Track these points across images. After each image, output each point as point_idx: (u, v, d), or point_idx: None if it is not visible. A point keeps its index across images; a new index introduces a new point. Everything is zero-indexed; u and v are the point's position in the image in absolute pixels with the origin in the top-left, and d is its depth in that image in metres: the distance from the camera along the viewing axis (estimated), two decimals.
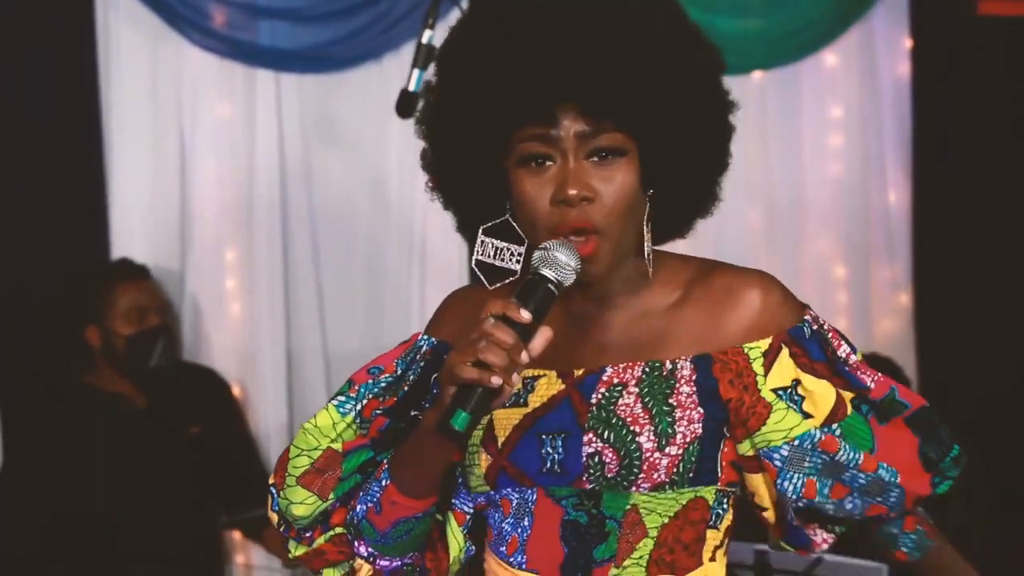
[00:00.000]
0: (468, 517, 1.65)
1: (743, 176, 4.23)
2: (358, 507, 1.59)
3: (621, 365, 1.54)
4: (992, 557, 1.93)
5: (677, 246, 3.98)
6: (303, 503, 1.61)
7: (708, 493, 1.54)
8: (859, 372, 1.57)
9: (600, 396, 1.53)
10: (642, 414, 1.51)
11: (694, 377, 1.53)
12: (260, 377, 3.84)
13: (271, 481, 1.66)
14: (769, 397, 1.53)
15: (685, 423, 1.51)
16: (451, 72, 1.55)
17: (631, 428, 1.51)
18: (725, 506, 1.57)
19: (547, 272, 1.44)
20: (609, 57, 1.47)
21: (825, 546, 1.61)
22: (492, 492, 1.57)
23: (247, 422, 3.75)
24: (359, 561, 1.62)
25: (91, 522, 3.35)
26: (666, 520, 1.53)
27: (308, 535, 1.65)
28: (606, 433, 1.51)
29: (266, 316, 3.83)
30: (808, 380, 1.54)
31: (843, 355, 1.58)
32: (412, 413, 1.61)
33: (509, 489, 1.56)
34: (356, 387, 1.64)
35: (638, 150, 1.51)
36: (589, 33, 1.48)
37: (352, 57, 3.88)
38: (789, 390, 1.54)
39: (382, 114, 3.93)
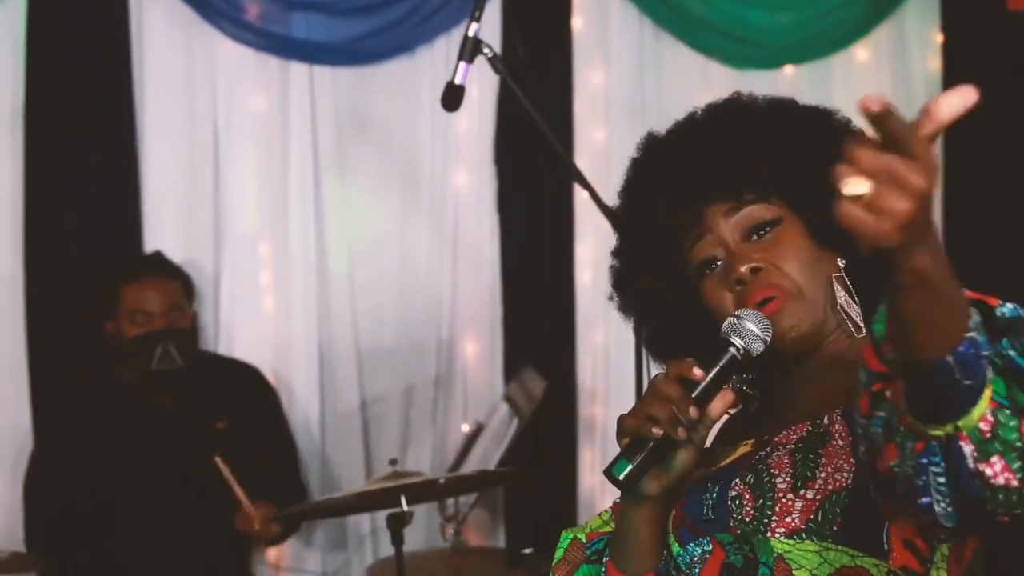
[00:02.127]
0: None
1: None
2: None
3: (791, 429, 1.52)
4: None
5: None
6: None
7: (872, 567, 1.41)
8: None
9: (763, 453, 1.52)
10: (786, 460, 1.48)
11: (847, 432, 1.47)
12: (293, 370, 3.84)
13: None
14: None
15: (829, 470, 1.45)
16: (625, 205, 1.68)
17: (771, 471, 1.49)
18: None
19: (735, 340, 1.47)
20: (726, 139, 1.56)
21: None
22: (679, 554, 1.54)
23: (286, 426, 3.69)
24: None
25: (112, 512, 3.35)
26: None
27: None
28: (749, 477, 1.50)
29: (299, 309, 3.83)
30: None
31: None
32: None
33: (692, 545, 1.53)
34: None
35: (794, 213, 1.55)
36: (712, 134, 1.59)
37: (386, 50, 3.88)
38: None
39: (415, 106, 3.94)
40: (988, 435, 1.22)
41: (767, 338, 1.47)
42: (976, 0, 4.25)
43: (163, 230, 3.75)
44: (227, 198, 3.81)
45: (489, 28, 3.44)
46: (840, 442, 1.46)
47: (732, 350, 1.46)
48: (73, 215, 3.66)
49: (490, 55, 2.81)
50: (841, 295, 1.52)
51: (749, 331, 1.46)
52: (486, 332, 3.99)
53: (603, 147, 4.07)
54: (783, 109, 1.62)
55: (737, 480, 1.50)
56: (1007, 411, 1.22)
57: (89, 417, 3.41)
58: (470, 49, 2.80)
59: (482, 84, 3.84)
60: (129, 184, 3.71)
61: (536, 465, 3.84)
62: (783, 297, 1.49)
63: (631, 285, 1.67)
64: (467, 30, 2.80)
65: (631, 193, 1.66)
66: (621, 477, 1.43)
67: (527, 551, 3.05)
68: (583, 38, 4.04)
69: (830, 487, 1.44)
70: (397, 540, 2.86)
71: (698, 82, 4.17)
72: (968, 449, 1.21)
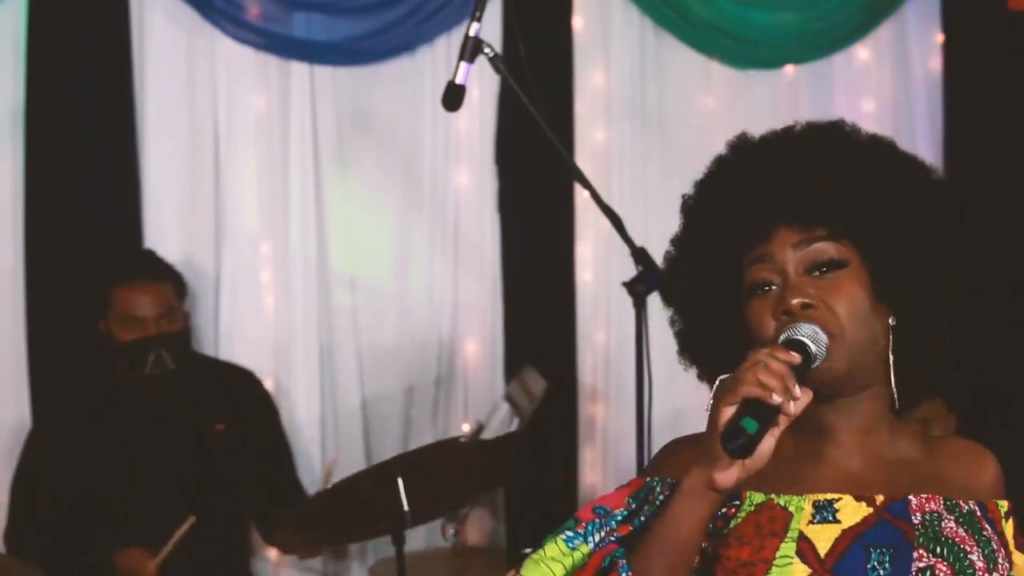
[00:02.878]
0: None
1: None
2: None
3: (924, 496, 1.53)
4: None
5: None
6: None
7: None
8: None
9: (922, 519, 1.52)
10: (967, 538, 1.51)
11: (983, 521, 1.55)
12: (293, 370, 3.84)
13: None
14: (1016, 556, 1.58)
15: (1001, 556, 1.53)
16: (689, 218, 1.64)
17: (963, 547, 1.50)
18: None
19: (805, 340, 1.45)
20: (816, 165, 1.54)
21: None
22: None
23: (282, 430, 3.68)
24: None
25: (111, 509, 3.35)
26: None
27: None
28: (938, 549, 1.49)
29: (300, 309, 3.83)
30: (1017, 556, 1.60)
31: None
32: None
33: None
34: (583, 524, 1.56)
35: (861, 260, 1.52)
36: (800, 152, 1.56)
37: (386, 49, 3.88)
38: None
39: (416, 106, 3.94)
40: None
41: (826, 343, 1.46)
42: (977, 0, 4.25)
43: (163, 229, 3.75)
44: (227, 197, 3.81)
45: (489, 28, 3.43)
46: (988, 528, 1.54)
47: (812, 347, 1.44)
48: (73, 214, 3.66)
49: (491, 55, 2.81)
50: (892, 355, 1.52)
51: (810, 333, 1.46)
52: (487, 332, 3.99)
53: (604, 147, 4.07)
54: (881, 150, 1.58)
55: (923, 552, 1.49)
56: None
57: (87, 415, 3.40)
58: (471, 49, 2.80)
59: (483, 84, 3.84)
60: (129, 183, 3.71)
61: (537, 464, 3.84)
62: (828, 339, 1.47)
63: (681, 278, 1.64)
64: (468, 30, 2.79)
65: (708, 188, 1.63)
66: (753, 432, 1.37)
67: (527, 551, 3.03)
68: (584, 38, 4.04)
69: (1004, 572, 1.53)
70: (398, 540, 2.86)
71: (699, 82, 4.17)
72: None
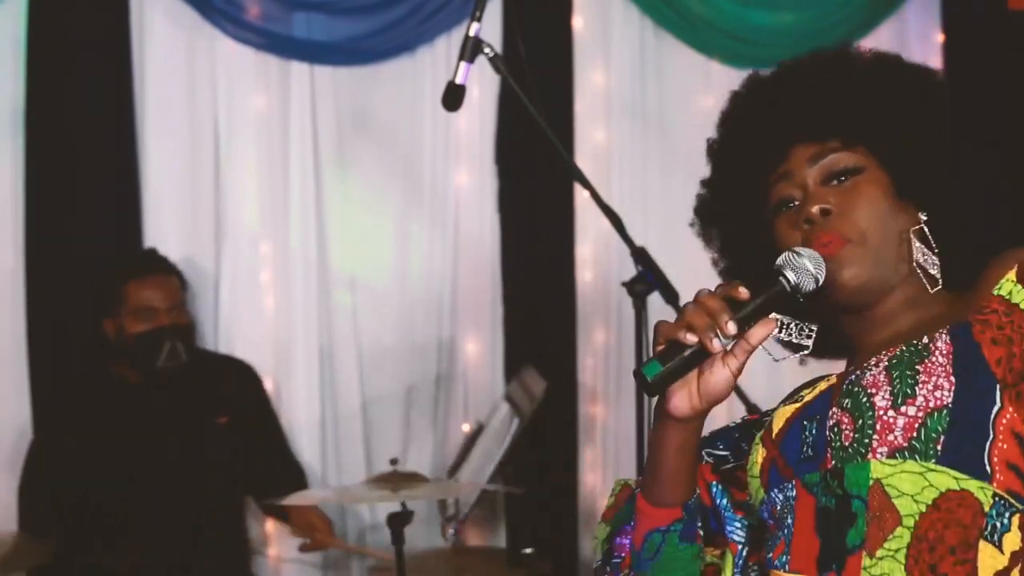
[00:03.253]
0: (741, 546, 1.61)
1: None
2: (621, 539, 1.61)
3: (885, 350, 1.50)
4: None
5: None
6: (600, 534, 1.66)
7: (977, 490, 1.39)
8: None
9: (853, 376, 1.50)
10: (883, 379, 1.45)
11: (950, 349, 1.43)
12: (293, 370, 3.84)
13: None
14: None
15: (930, 388, 1.41)
16: (716, 141, 1.71)
17: (868, 391, 1.45)
18: (1007, 521, 1.39)
19: (787, 273, 1.48)
20: (822, 84, 1.59)
21: None
22: (764, 501, 1.53)
23: (276, 412, 3.74)
24: None
25: (116, 510, 3.35)
26: (922, 508, 1.40)
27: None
28: (845, 401, 1.47)
29: (300, 309, 3.83)
30: None
31: None
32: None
33: (775, 491, 1.52)
34: None
35: (878, 165, 1.56)
36: (806, 76, 1.61)
37: (386, 49, 3.88)
38: None
39: (416, 106, 3.94)
40: None
41: (820, 277, 1.49)
42: (977, 0, 4.24)
43: (163, 229, 3.76)
44: (228, 197, 3.81)
45: (489, 28, 3.43)
46: (941, 359, 1.43)
47: (782, 280, 1.48)
48: (74, 214, 3.66)
49: (491, 55, 2.81)
50: (918, 248, 1.53)
51: (803, 267, 1.48)
52: (487, 332, 3.99)
53: (604, 147, 4.07)
54: (885, 63, 1.63)
55: (834, 408, 1.48)
56: None
57: (88, 417, 3.41)
58: (471, 49, 2.81)
59: (483, 84, 3.84)
60: (130, 183, 3.71)
61: (537, 465, 3.84)
62: (844, 243, 1.51)
63: (713, 214, 1.69)
64: (468, 30, 2.79)
65: (726, 125, 1.70)
66: (650, 378, 1.43)
67: (527, 551, 3.04)
68: (584, 38, 4.04)
69: (931, 404, 1.41)
70: (398, 539, 2.86)
71: (699, 82, 4.16)
72: None
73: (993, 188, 4.01)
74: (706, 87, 4.16)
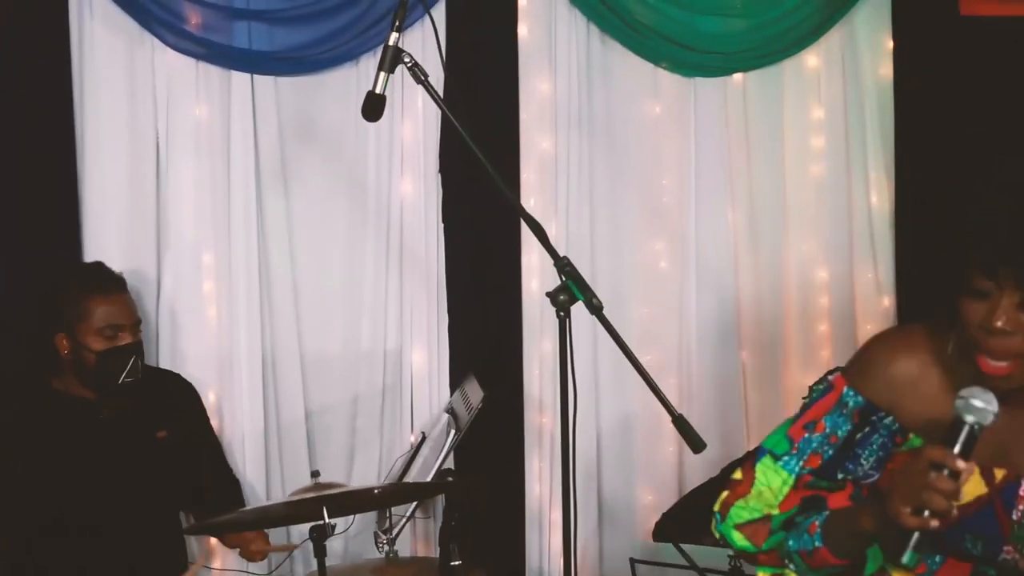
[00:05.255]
0: None
1: (725, 178, 4.22)
2: (790, 542, 1.97)
3: None
4: None
5: (654, 247, 3.84)
6: (740, 542, 2.05)
7: None
8: None
9: (1021, 513, 1.86)
10: None
11: None
12: (236, 380, 3.82)
13: (715, 508, 2.09)
14: None
15: None
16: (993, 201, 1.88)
17: None
18: None
19: (969, 418, 1.74)
20: None
21: None
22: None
23: (212, 425, 3.71)
24: (787, 572, 2.00)
25: (52, 526, 3.33)
26: None
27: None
28: (1020, 545, 1.83)
29: (243, 320, 3.81)
30: None
31: None
32: (839, 476, 1.99)
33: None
34: (796, 444, 2.02)
35: None
36: None
37: (329, 59, 3.85)
38: None
39: (359, 115, 3.87)
40: None
41: (996, 412, 1.75)
42: (927, 6, 4.23)
43: (104, 240, 3.72)
44: (169, 208, 3.79)
45: (434, 36, 3.41)
46: None
47: (974, 427, 1.74)
48: (12, 224, 3.63)
49: (410, 64, 2.80)
50: None
51: (981, 408, 1.74)
52: (432, 341, 3.97)
53: (550, 155, 4.05)
54: None
55: (1011, 548, 1.84)
56: None
57: (28, 431, 3.38)
58: (390, 59, 2.79)
59: (427, 93, 3.80)
60: (70, 193, 3.67)
61: (482, 475, 3.83)
62: (1015, 365, 1.81)
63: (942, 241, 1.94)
64: (387, 40, 2.78)
65: (1003, 200, 1.84)
66: (912, 567, 1.75)
67: (455, 563, 3.02)
68: (529, 45, 4.02)
69: None
70: (320, 552, 2.84)
71: (647, 89, 4.15)
72: None
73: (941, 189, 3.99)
74: (653, 94, 4.14)
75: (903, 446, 1.94)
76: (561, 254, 2.92)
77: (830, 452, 1.99)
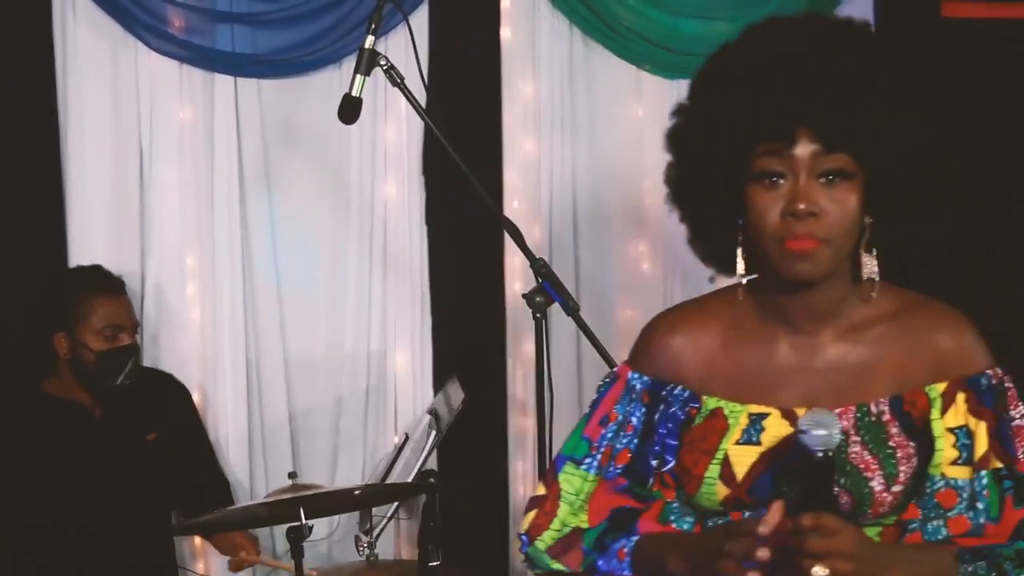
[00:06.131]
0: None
1: None
2: (599, 562, 1.81)
3: (837, 411, 1.70)
4: None
5: (637, 248, 3.82)
6: (553, 565, 1.87)
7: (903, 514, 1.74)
8: (1017, 437, 1.72)
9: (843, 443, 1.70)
10: (871, 460, 1.70)
11: (896, 419, 1.72)
12: (220, 383, 3.83)
13: (523, 530, 1.92)
14: (938, 432, 1.72)
15: (905, 461, 1.71)
16: (705, 91, 1.79)
17: (864, 475, 1.69)
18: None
19: (818, 450, 1.59)
20: (848, 90, 1.65)
21: None
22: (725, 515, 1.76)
23: (204, 426, 3.74)
24: None
25: (46, 528, 3.34)
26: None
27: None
28: (843, 480, 1.68)
29: (226, 322, 3.82)
30: (974, 424, 1.72)
31: (1012, 416, 1.73)
32: (652, 463, 1.83)
33: (744, 511, 1.74)
34: (594, 443, 1.86)
35: (863, 176, 1.67)
36: (835, 68, 1.66)
37: (312, 61, 3.86)
38: (959, 431, 1.72)
39: None
40: None
41: (839, 434, 1.61)
42: (910, 7, 4.22)
43: (88, 242, 3.74)
44: (153, 210, 3.80)
45: (418, 38, 3.42)
46: (895, 428, 1.70)
47: (821, 456, 1.59)
48: None
49: (386, 67, 2.81)
50: (867, 261, 1.71)
51: (822, 438, 1.59)
52: (416, 343, 3.98)
53: (533, 157, 4.05)
54: (904, 87, 1.71)
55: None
56: None
57: (20, 436, 3.38)
58: (366, 61, 2.81)
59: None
60: (54, 195, 3.69)
61: (466, 477, 3.83)
62: (819, 243, 1.64)
63: (684, 151, 1.78)
64: (363, 42, 2.80)
65: (733, 73, 1.74)
66: None
67: (434, 563, 3.03)
68: (512, 48, 4.02)
69: (908, 476, 1.70)
70: (296, 554, 2.85)
71: (630, 91, 4.15)
72: None
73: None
74: (636, 97, 4.15)
75: (698, 416, 1.79)
76: (545, 257, 2.93)
77: (635, 443, 1.84)
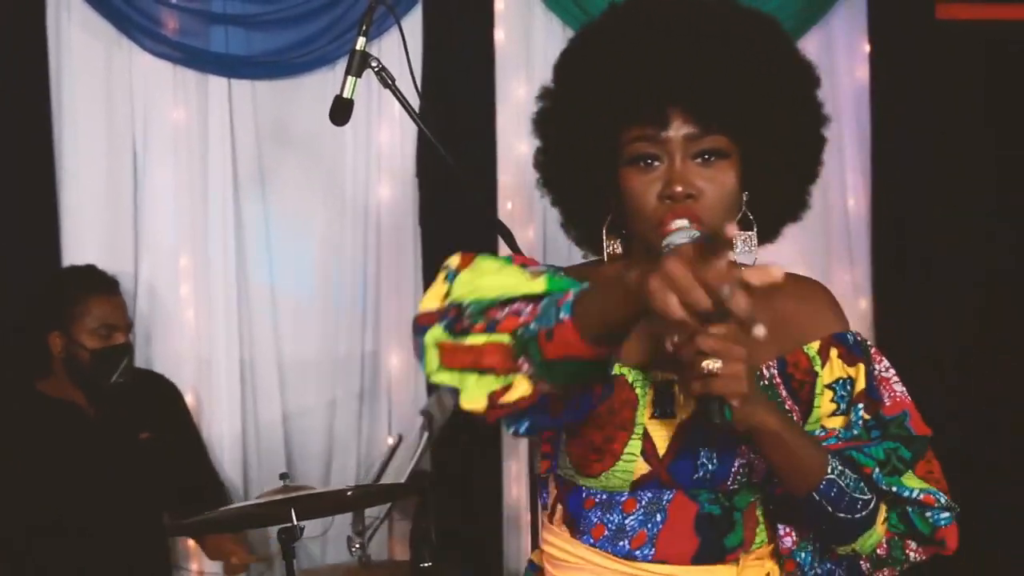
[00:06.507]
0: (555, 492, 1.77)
1: None
2: (532, 325, 1.44)
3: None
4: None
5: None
6: (441, 337, 1.58)
7: None
8: (881, 386, 1.71)
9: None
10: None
11: (781, 381, 1.70)
12: (214, 384, 3.83)
13: (416, 316, 1.62)
14: (818, 391, 1.70)
15: (792, 416, 1.70)
16: (571, 73, 1.68)
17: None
18: None
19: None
20: (719, 66, 1.59)
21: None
22: (620, 494, 1.68)
23: (196, 426, 3.75)
24: (519, 377, 1.46)
25: (41, 528, 3.34)
26: (763, 509, 1.73)
27: (469, 324, 1.53)
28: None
29: (220, 323, 3.83)
30: (854, 371, 1.71)
31: (879, 369, 1.72)
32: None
33: (643, 491, 1.68)
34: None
35: (739, 154, 1.62)
36: (702, 43, 1.60)
37: (306, 63, 3.87)
38: (836, 385, 1.70)
39: None
40: (883, 556, 1.70)
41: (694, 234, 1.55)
42: (904, 9, 4.23)
43: (82, 242, 3.75)
44: (146, 211, 3.81)
45: (411, 39, 3.43)
46: (784, 392, 1.69)
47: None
48: None
49: (377, 68, 2.81)
50: (745, 238, 1.67)
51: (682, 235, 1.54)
52: (410, 345, 3.96)
53: (527, 159, 4.03)
54: (777, 47, 1.66)
55: (745, 448, 1.65)
56: (897, 538, 1.68)
57: (14, 435, 3.39)
58: (357, 63, 2.81)
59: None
60: (48, 196, 3.71)
61: (460, 477, 3.84)
62: (699, 228, 1.57)
63: (551, 132, 1.73)
64: (354, 44, 2.80)
65: (598, 54, 1.65)
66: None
67: (426, 564, 3.03)
68: (505, 50, 4.03)
69: None
70: (288, 555, 2.85)
71: None
72: (865, 566, 1.70)
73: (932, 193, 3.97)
74: None
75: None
76: (539, 258, 2.92)
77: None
